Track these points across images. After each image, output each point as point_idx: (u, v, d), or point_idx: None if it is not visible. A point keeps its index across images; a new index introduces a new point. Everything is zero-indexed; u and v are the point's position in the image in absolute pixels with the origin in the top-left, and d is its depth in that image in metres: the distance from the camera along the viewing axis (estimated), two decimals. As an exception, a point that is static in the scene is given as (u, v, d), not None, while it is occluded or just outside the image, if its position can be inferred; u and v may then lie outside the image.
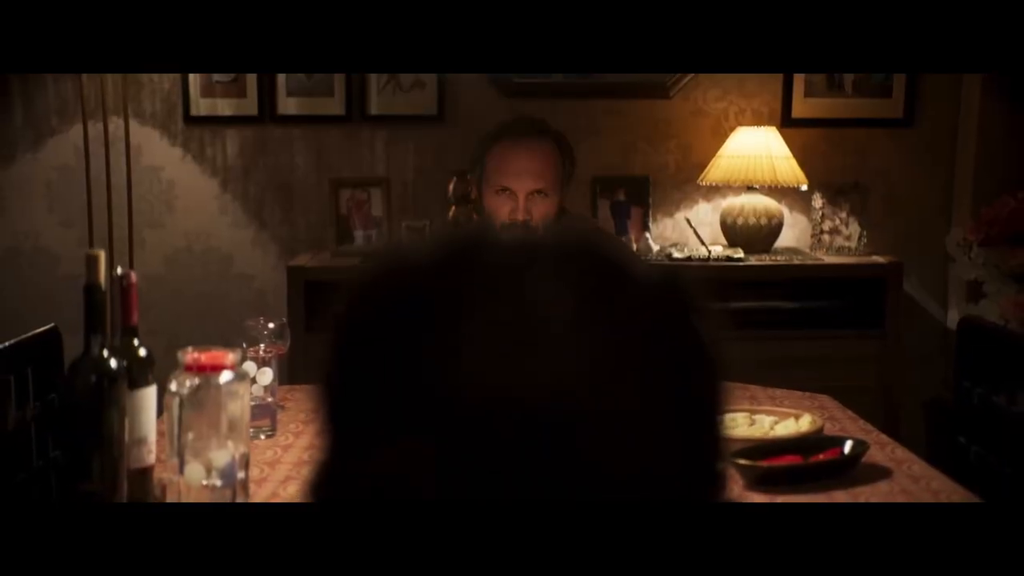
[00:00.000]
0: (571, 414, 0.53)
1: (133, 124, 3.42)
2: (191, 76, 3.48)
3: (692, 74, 3.53)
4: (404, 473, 0.54)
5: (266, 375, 1.98)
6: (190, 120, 3.51)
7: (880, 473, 1.80)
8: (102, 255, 1.50)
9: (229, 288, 3.58)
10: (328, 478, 0.57)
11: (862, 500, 1.68)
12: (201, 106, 3.50)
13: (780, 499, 1.67)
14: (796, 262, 3.34)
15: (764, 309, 3.29)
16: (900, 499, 1.69)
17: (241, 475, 1.55)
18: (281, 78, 3.50)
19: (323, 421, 0.57)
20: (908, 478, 1.78)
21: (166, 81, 3.50)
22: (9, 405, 1.92)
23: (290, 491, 1.71)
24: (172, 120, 3.52)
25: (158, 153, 3.53)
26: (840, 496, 1.69)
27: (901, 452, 1.92)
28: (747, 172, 3.34)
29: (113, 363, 1.51)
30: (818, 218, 3.52)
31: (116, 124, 3.36)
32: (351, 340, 0.56)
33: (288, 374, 2.73)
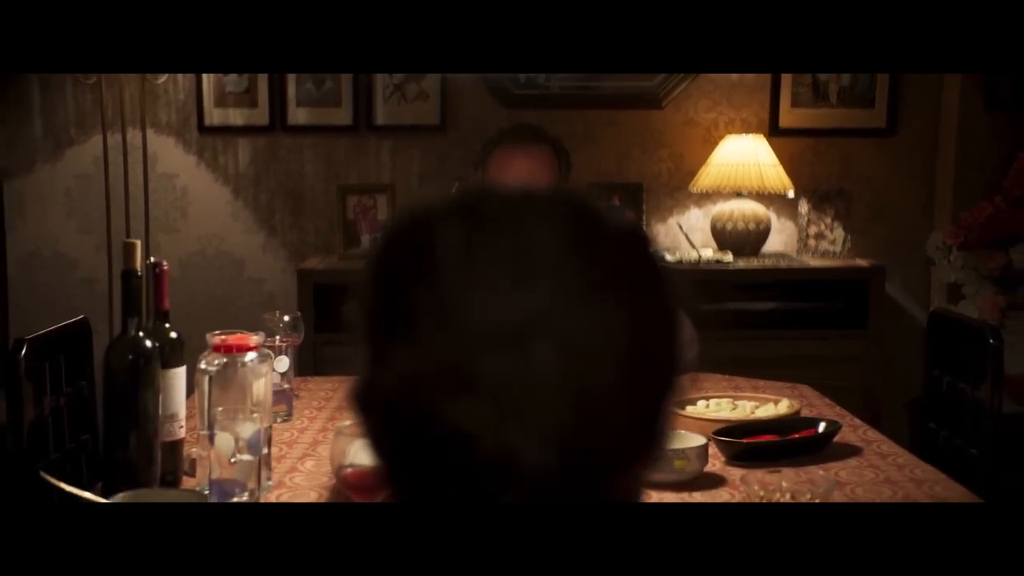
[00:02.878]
0: (553, 339, 0.66)
1: (150, 133, 3.56)
2: (205, 87, 3.62)
3: (684, 86, 3.67)
4: (420, 388, 0.67)
5: (283, 363, 2.13)
6: (204, 129, 3.66)
7: (851, 451, 1.95)
8: (138, 244, 1.65)
9: (241, 291, 3.72)
10: (362, 388, 0.71)
11: (833, 474, 1.82)
12: (214, 116, 3.65)
13: (758, 473, 1.81)
14: (783, 265, 3.49)
15: (752, 310, 3.43)
16: (868, 474, 1.84)
17: (265, 450, 1.70)
18: (291, 90, 3.64)
19: (361, 341, 0.71)
20: (877, 455, 1.93)
21: (181, 92, 3.65)
22: (43, 391, 2.07)
23: (307, 466, 1.86)
24: (187, 129, 3.66)
25: (173, 161, 3.67)
26: (814, 471, 1.83)
27: (872, 433, 2.07)
28: (736, 179, 3.48)
29: (148, 344, 1.66)
30: (804, 223, 3.66)
31: (133, 134, 3.51)
32: (381, 273, 0.71)
33: (298, 371, 2.87)
